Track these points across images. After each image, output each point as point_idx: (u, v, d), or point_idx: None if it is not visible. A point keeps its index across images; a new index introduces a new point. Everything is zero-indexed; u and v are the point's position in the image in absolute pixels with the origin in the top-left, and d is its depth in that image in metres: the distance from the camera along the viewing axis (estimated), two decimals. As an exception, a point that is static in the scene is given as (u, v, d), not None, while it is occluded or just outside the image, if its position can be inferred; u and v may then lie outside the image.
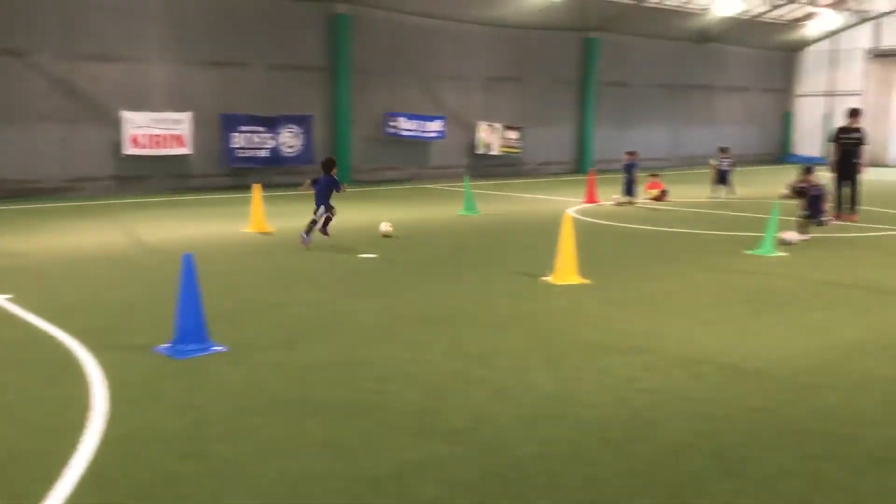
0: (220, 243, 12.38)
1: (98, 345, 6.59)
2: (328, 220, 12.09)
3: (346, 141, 23.62)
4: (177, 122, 20.44)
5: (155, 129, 20.09)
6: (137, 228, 13.90)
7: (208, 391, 5.59)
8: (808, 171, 13.18)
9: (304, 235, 11.80)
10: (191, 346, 6.38)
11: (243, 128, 21.55)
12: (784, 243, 11.78)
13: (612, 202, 18.25)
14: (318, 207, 11.97)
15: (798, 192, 13.00)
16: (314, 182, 12.15)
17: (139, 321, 7.52)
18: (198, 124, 20.74)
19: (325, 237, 12.08)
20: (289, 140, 22.40)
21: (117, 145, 19.77)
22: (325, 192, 11.94)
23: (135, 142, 19.82)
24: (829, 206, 13.43)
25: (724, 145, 21.39)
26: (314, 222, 11.96)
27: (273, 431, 4.87)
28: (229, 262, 10.76)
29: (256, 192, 13.84)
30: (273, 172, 22.36)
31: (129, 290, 8.95)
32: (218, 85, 21.40)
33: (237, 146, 21.50)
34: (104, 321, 7.55)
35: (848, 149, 15.43)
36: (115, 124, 19.63)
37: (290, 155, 22.52)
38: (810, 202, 12.84)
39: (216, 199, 18.96)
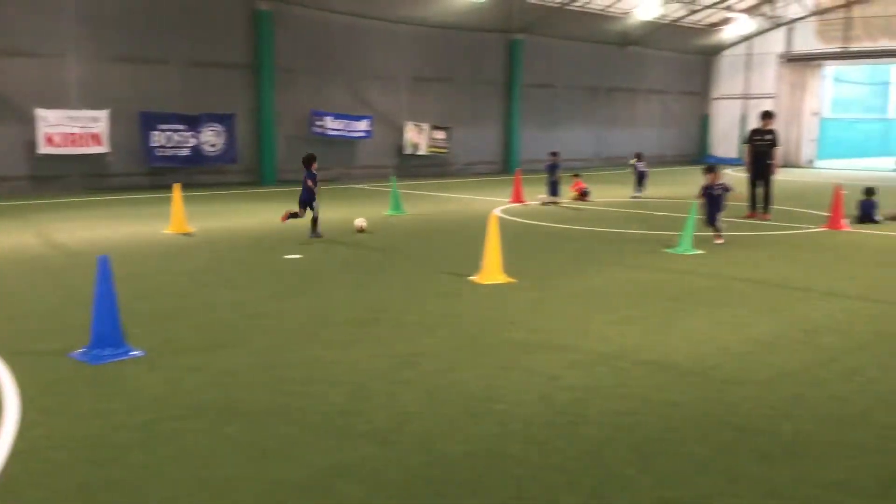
0: (139, 245, 12.06)
1: (10, 350, 6.34)
2: (294, 214, 12.75)
3: (270, 140, 23.31)
4: (94, 119, 19.81)
5: (71, 128, 19.44)
6: (53, 230, 13.42)
7: (125, 397, 5.44)
8: (710, 169, 12.92)
9: (312, 231, 12.73)
10: (107, 351, 6.20)
11: (164, 126, 21.02)
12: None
13: (538, 202, 18.47)
14: (310, 204, 12.73)
15: (705, 193, 12.70)
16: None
17: (54, 326, 7.26)
18: (116, 122, 20.16)
19: (284, 223, 12.90)
20: (211, 139, 21.97)
21: (31, 144, 19.05)
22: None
23: (50, 140, 19.13)
24: (728, 203, 12.87)
25: (640, 151, 22.06)
26: (314, 217, 12.78)
27: (192, 437, 4.77)
28: (148, 264, 10.50)
29: (177, 191, 13.53)
30: (195, 172, 21.92)
31: (44, 294, 8.64)
32: (137, 82, 20.84)
33: (157, 145, 20.97)
34: (17, 326, 7.27)
35: (761, 150, 15.92)
36: (30, 122, 18.92)
37: (213, 154, 22.10)
38: (709, 203, 12.51)
39: (136, 200, 18.47)
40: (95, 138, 19.86)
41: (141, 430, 4.85)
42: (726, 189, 12.66)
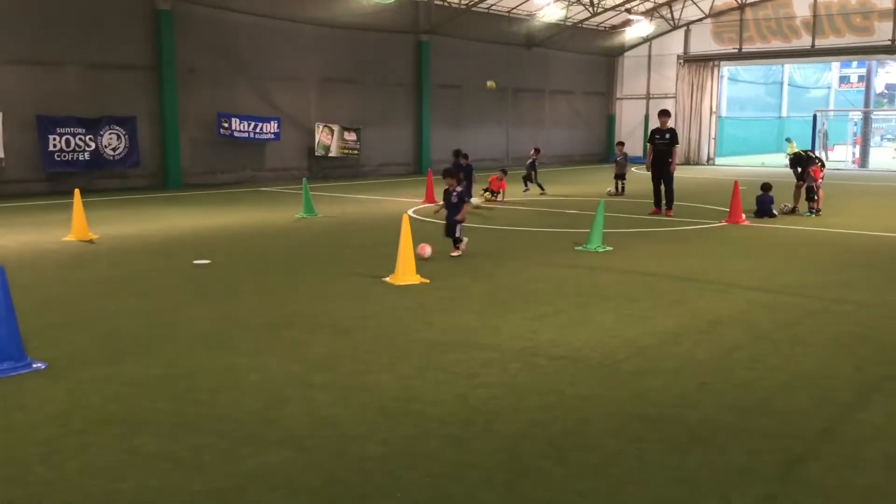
0: (38, 253, 11.58)
1: None
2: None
3: (174, 142, 22.72)
4: (-15, 123, 18.93)
5: (-40, 132, 18.52)
6: (-58, 239, 12.76)
7: (27, 412, 5.22)
8: (449, 173, 11.66)
9: (470, 201, 14.37)
10: (6, 365, 5.93)
11: (62, 129, 20.24)
12: (421, 258, 10.52)
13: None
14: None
15: (445, 198, 11.50)
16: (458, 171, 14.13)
17: (-55, 340, 6.89)
18: (10, 126, 19.31)
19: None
20: (112, 142, 21.26)
21: (-84, 149, 18.11)
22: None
23: (-64, 145, 18.20)
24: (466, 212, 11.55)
25: (538, 146, 23.03)
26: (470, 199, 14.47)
27: (99, 450, 4.61)
28: (48, 273, 10.10)
29: (77, 197, 13.05)
30: (95, 177, 21.19)
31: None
32: (32, 84, 20.00)
33: (56, 149, 20.17)
34: None
35: (661, 149, 16.42)
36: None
37: (114, 158, 21.38)
38: (448, 210, 11.31)
39: (34, 207, 17.72)
40: (-12, 143, 18.97)
41: (44, 446, 4.66)
42: (462, 198, 11.34)
